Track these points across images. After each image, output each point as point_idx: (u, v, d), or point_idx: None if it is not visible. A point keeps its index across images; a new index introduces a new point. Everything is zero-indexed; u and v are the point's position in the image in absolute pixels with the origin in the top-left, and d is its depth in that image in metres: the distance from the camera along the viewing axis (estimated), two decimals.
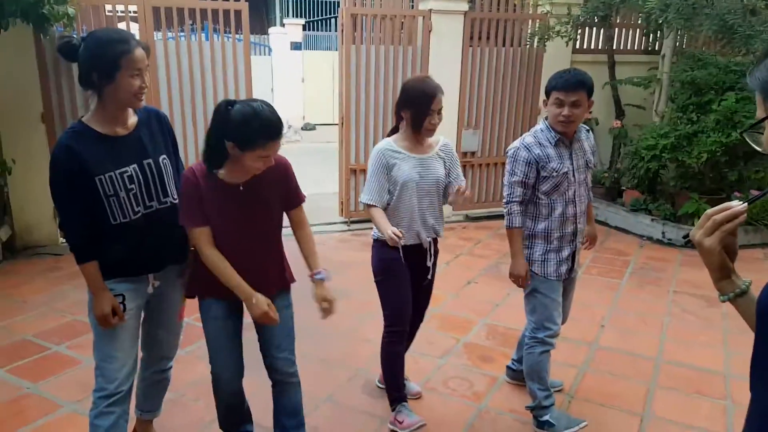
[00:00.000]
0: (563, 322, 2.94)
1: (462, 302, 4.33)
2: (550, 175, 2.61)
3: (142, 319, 2.28)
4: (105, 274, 2.07)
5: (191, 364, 3.26)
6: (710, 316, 4.12)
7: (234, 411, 2.42)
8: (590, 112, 2.71)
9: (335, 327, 3.88)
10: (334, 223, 6.27)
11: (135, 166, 2.03)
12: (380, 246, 2.67)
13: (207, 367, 2.29)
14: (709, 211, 1.11)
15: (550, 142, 2.62)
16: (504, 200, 2.72)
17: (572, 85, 2.51)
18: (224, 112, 1.95)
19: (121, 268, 2.09)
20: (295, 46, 14.02)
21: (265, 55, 14.11)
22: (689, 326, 3.99)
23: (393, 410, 2.80)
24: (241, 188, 2.09)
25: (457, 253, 5.45)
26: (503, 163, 6.86)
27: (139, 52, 1.92)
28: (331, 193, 6.72)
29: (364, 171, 6.29)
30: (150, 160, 2.07)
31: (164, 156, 2.13)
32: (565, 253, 2.72)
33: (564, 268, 2.73)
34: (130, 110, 2.07)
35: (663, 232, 5.90)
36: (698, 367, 3.40)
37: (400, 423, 2.74)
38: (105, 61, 1.89)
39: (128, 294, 2.12)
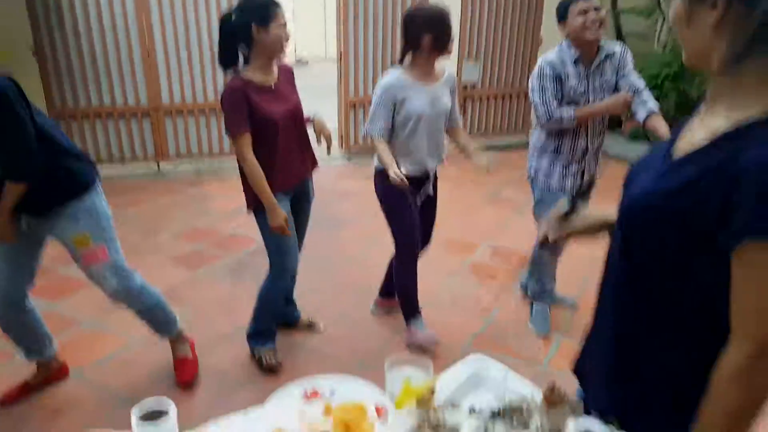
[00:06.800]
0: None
1: (466, 227, 4.40)
2: (568, 93, 2.65)
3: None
4: None
5: None
6: None
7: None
8: None
9: (343, 254, 3.96)
10: (334, 158, 6.24)
11: None
12: (383, 175, 2.63)
13: None
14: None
15: (570, 60, 2.64)
16: (544, 119, 2.66)
17: None
18: (228, 17, 2.31)
19: None
20: None
21: None
22: None
23: (408, 324, 2.87)
24: (273, 87, 2.41)
25: (459, 181, 5.48)
26: (503, 96, 6.91)
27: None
28: (330, 128, 6.65)
29: (364, 104, 6.25)
30: None
31: None
32: (573, 168, 2.76)
33: (569, 183, 2.77)
34: None
35: None
36: None
37: (413, 335, 2.83)
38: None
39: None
